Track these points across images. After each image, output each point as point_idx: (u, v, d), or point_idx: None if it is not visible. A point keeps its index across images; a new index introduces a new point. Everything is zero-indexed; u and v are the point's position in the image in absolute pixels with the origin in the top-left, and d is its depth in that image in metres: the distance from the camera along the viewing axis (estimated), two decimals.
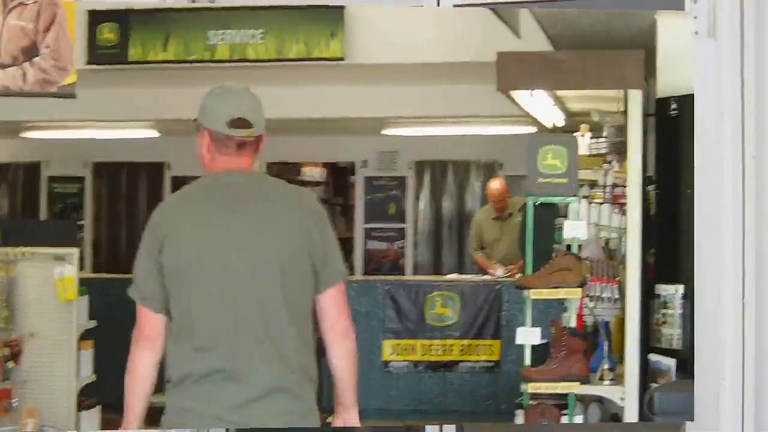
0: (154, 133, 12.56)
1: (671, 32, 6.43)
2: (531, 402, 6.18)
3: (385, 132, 12.08)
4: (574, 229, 6.09)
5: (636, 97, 6.12)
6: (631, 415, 6.05)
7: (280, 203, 3.73)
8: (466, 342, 9.71)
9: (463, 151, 13.38)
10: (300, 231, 3.66)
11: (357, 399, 3.84)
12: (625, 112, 6.31)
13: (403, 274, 13.15)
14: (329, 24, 8.98)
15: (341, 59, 8.95)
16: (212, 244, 3.63)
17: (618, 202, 6.56)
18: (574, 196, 6.10)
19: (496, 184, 10.40)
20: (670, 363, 6.02)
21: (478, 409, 9.69)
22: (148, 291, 3.69)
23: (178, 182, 14.02)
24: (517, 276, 9.84)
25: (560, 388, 5.98)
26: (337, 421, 3.85)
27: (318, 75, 9.75)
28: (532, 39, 7.80)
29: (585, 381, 5.97)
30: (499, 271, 10.01)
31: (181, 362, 3.66)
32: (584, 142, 6.70)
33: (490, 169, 13.40)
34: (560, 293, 6.02)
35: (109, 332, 8.33)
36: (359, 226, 13.23)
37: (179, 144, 13.43)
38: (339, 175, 16.46)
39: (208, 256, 3.62)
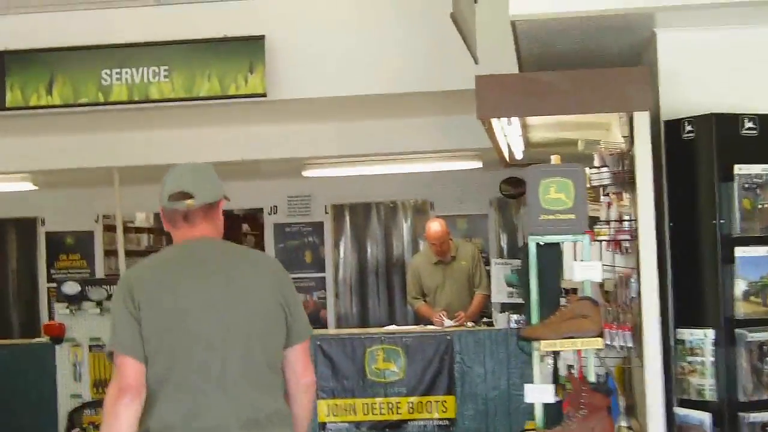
0: (29, 186, 11.51)
1: (674, 48, 5.84)
2: None
3: (303, 174, 11.27)
4: (586, 271, 5.34)
5: (643, 121, 5.43)
6: None
7: (250, 266, 4.05)
8: (414, 399, 8.94)
9: (388, 192, 12.71)
10: (273, 292, 3.98)
11: None
12: (629, 137, 5.61)
13: (326, 327, 12.36)
14: (247, 57, 8.14)
15: (263, 95, 8.10)
16: (193, 303, 3.88)
17: (617, 239, 5.84)
18: (584, 233, 5.34)
19: (436, 226, 9.66)
20: (702, 417, 5.35)
21: None
22: (131, 342, 3.83)
23: (53, 238, 13.11)
24: (469, 324, 9.22)
25: None
26: None
27: (233, 114, 8.93)
28: (491, 65, 7.15)
29: None
30: (447, 321, 9.26)
31: (160, 415, 3.82)
32: None
33: (420, 210, 12.77)
34: (577, 344, 5.26)
35: None
36: None
37: (55, 197, 12.66)
38: (232, 225, 15.68)
39: (190, 315, 3.86)
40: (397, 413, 9.00)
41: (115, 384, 3.81)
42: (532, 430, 7.36)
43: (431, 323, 9.53)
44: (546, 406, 5.48)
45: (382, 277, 13.06)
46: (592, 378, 5.35)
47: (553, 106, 5.60)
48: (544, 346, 5.28)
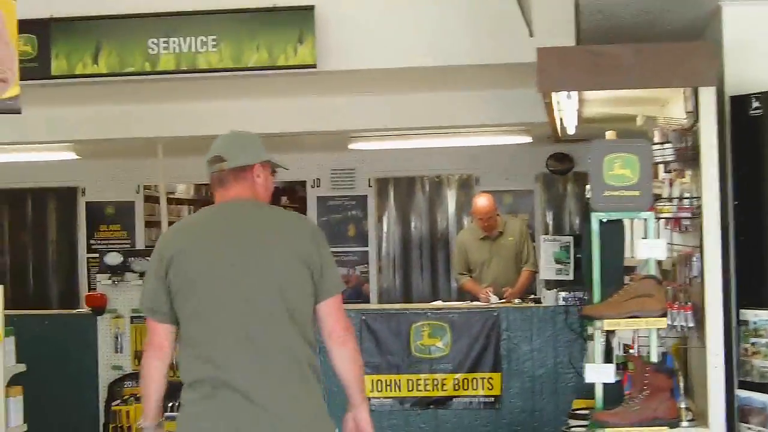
0: (72, 155, 11.46)
1: (739, 22, 5.71)
2: None
3: (345, 147, 11.17)
4: (650, 249, 5.25)
5: (709, 96, 5.31)
6: None
7: (279, 225, 4.25)
8: (460, 376, 8.85)
9: (432, 166, 12.58)
10: (295, 250, 4.14)
11: (365, 397, 4.33)
12: (692, 113, 5.48)
13: (368, 302, 12.26)
14: (297, 27, 8.00)
15: (313, 66, 7.97)
16: (215, 261, 4.12)
17: (678, 217, 5.71)
18: (649, 210, 5.23)
19: (483, 201, 9.55)
20: (765, 399, 5.24)
21: None
22: (154, 305, 4.19)
23: (94, 208, 13.06)
24: (516, 301, 9.11)
25: None
26: (348, 419, 4.32)
27: (279, 85, 8.84)
28: (545, 38, 7.03)
29: (674, 424, 5.14)
30: (493, 297, 9.15)
31: (189, 369, 4.12)
32: None
33: (465, 185, 12.65)
34: (640, 323, 5.16)
35: (38, 375, 7.43)
36: None
37: (96, 167, 12.61)
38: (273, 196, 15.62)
39: (212, 273, 4.12)
40: (443, 390, 8.88)
41: (146, 340, 4.28)
42: (583, 409, 7.30)
43: (477, 299, 9.44)
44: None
45: (426, 251, 12.94)
46: (654, 358, 5.26)
47: (617, 80, 5.48)
48: (607, 325, 5.19)
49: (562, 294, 8.70)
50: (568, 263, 8.85)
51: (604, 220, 5.30)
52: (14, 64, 5.17)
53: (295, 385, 4.10)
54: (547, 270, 8.93)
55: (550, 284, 9.14)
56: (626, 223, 5.68)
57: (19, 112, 5.13)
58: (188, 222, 4.52)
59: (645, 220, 5.31)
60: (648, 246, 5.26)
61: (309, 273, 4.15)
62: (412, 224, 13.04)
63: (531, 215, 12.61)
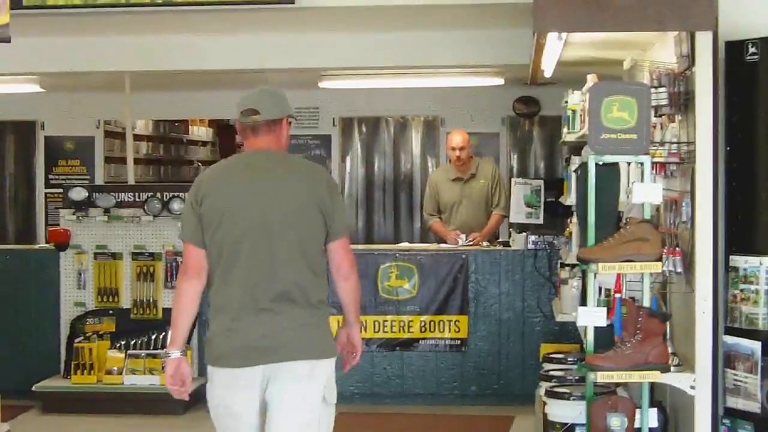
0: (35, 88, 11.25)
1: None
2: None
3: (314, 85, 11.06)
4: (646, 193, 5.25)
5: (706, 41, 5.29)
6: (703, 405, 5.26)
7: (300, 173, 4.85)
8: (426, 318, 8.86)
9: (397, 107, 12.49)
10: (310, 195, 4.75)
11: (359, 318, 5.09)
12: (686, 57, 5.46)
13: None
14: None
15: (291, 2, 7.87)
16: (241, 200, 4.73)
17: (669, 162, 5.71)
18: (646, 154, 5.23)
19: (458, 134, 9.43)
20: (753, 346, 5.25)
21: (443, 392, 8.90)
22: (193, 231, 4.77)
23: (52, 142, 12.87)
24: (485, 244, 9.10)
25: (636, 377, 5.14)
26: (341, 334, 5.05)
27: (258, 20, 8.79)
28: None
29: (665, 369, 5.16)
30: (462, 239, 9.12)
31: (216, 295, 4.75)
32: None
33: (430, 126, 12.57)
34: (635, 267, 5.17)
35: None
36: None
37: (57, 100, 12.36)
38: (227, 136, 15.57)
39: (238, 208, 4.71)
40: (409, 332, 8.90)
41: (182, 265, 4.84)
42: (557, 353, 7.34)
43: (444, 241, 9.41)
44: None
45: (390, 193, 12.87)
46: (647, 303, 5.28)
47: (614, 22, 5.39)
48: (602, 268, 5.19)
49: (532, 238, 8.70)
50: (539, 207, 8.87)
51: (600, 163, 5.30)
52: None
53: (302, 309, 4.68)
54: (518, 213, 8.93)
55: (517, 228, 9.14)
56: None
57: (8, 41, 5.00)
58: (222, 165, 5.03)
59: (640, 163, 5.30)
60: (644, 190, 5.26)
61: (322, 216, 4.75)
62: (376, 165, 12.98)
63: (496, 158, 12.55)
